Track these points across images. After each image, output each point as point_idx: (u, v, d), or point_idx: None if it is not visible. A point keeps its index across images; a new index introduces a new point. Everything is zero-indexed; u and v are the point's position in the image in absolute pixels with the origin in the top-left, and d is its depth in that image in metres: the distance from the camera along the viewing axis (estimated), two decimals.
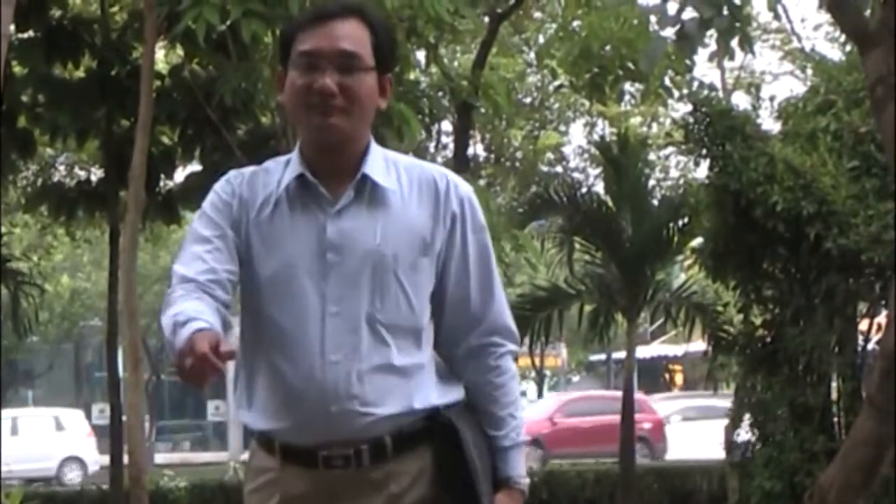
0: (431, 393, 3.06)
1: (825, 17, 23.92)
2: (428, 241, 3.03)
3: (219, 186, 3.11)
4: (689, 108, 11.76)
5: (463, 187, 3.12)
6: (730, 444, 12.07)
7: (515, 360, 3.24)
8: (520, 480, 3.14)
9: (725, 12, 7.09)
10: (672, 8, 7.22)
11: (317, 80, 2.98)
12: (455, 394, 3.12)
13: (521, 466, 3.15)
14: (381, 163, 3.07)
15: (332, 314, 2.97)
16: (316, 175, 3.03)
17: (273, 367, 3.02)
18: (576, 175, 26.52)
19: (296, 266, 2.99)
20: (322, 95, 2.98)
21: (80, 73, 12.72)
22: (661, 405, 32.39)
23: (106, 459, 16.52)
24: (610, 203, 15.46)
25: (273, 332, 3.02)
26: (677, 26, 7.20)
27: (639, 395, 27.56)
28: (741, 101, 29.52)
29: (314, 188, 3.03)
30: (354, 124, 3.03)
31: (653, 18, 7.88)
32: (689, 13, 7.17)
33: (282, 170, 3.09)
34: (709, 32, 7.34)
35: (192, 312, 2.81)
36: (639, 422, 26.76)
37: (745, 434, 11.71)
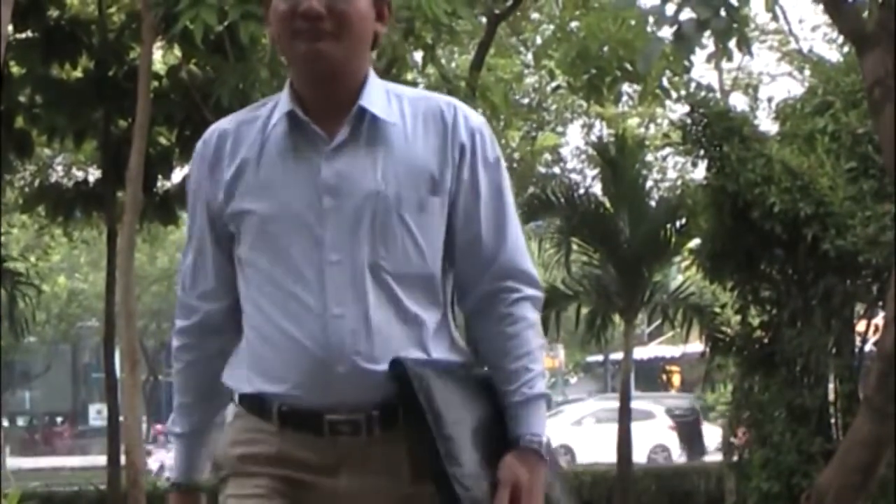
0: (445, 349, 2.78)
1: (823, 18, 23.95)
2: (436, 178, 2.75)
3: (195, 157, 2.88)
4: (687, 109, 11.75)
5: (474, 118, 2.83)
6: (727, 446, 12.07)
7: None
8: (533, 439, 2.76)
9: (723, 13, 7.09)
10: (670, 9, 7.23)
11: (301, 3, 2.70)
12: (460, 356, 2.82)
13: (536, 424, 2.77)
14: (382, 95, 2.79)
15: (332, 263, 2.70)
16: (308, 112, 2.75)
17: (269, 323, 2.75)
18: (573, 176, 26.54)
19: (288, 214, 2.72)
20: (308, 19, 2.70)
21: (78, 74, 12.71)
22: (574, 407, 32.53)
23: None
24: (607, 204, 15.45)
25: (268, 287, 2.75)
26: (675, 27, 7.20)
27: None
28: (739, 102, 29.63)
29: (306, 127, 2.75)
30: (347, 51, 2.73)
31: (650, 19, 7.89)
32: (686, 14, 7.17)
33: (269, 111, 2.81)
34: (707, 33, 7.34)
35: (184, 422, 2.95)
36: None
37: (742, 435, 11.72)
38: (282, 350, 2.72)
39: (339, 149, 2.73)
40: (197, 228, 2.90)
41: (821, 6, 6.83)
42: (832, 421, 11.29)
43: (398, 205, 2.71)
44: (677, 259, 16.82)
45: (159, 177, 12.88)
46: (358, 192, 2.71)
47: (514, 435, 2.76)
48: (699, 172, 12.42)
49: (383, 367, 2.68)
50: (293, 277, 2.72)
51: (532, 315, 2.83)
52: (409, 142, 2.76)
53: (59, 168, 20.19)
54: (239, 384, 2.81)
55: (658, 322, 17.65)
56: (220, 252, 2.87)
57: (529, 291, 2.84)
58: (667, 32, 7.45)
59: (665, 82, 14.59)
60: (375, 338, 2.69)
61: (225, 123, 2.85)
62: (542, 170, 26.92)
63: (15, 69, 12.36)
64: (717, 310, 13.70)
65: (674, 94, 14.97)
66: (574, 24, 14.93)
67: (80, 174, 17.72)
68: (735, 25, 7.53)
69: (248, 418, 2.80)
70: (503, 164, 2.88)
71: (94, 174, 15.35)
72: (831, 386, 11.37)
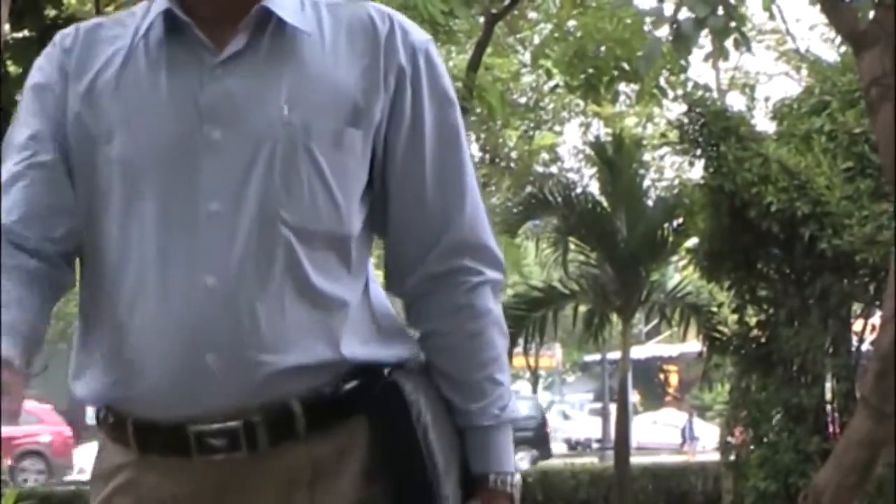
0: (370, 340, 2.06)
1: (820, 17, 23.92)
2: (361, 106, 2.03)
3: (42, 57, 2.11)
4: (684, 108, 11.75)
5: (417, 34, 2.13)
6: (724, 445, 12.07)
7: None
8: (506, 479, 2.12)
9: (720, 12, 7.10)
10: (668, 9, 7.24)
11: None
12: (403, 349, 2.12)
13: (506, 457, 2.12)
14: None
15: (211, 215, 1.95)
16: (191, 13, 2.02)
17: (120, 299, 1.98)
18: (571, 175, 26.53)
19: (153, 148, 1.98)
20: None
21: None
22: None
23: None
24: (605, 203, 15.45)
25: (117, 250, 1.99)
26: (673, 26, 7.21)
27: (43, 406, 26.72)
28: (736, 101, 29.62)
29: (187, 31, 2.01)
30: None
31: (647, 19, 7.90)
32: (684, 13, 7.18)
33: (142, 14, 2.07)
34: (704, 33, 7.35)
35: None
36: (35, 434, 25.94)
37: (739, 434, 11.72)
38: (136, 335, 1.97)
39: (230, 62, 2.00)
40: (39, 130, 2.06)
41: (818, 6, 6.83)
42: (829, 420, 11.29)
43: (307, 138, 1.99)
44: (674, 258, 16.82)
45: None
46: (253, 120, 1.98)
47: (479, 471, 2.11)
48: (696, 172, 12.45)
49: (274, 357, 1.95)
50: (155, 235, 1.97)
51: (496, 307, 2.14)
52: (326, 58, 2.05)
53: None
54: (87, 392, 2.04)
55: (655, 321, 17.61)
56: (56, 168, 2.06)
57: (492, 274, 2.13)
58: (664, 32, 7.46)
59: (662, 82, 14.61)
60: (264, 317, 1.95)
61: (87, 23, 2.12)
62: (540, 169, 26.91)
63: (12, 69, 12.35)
64: (715, 309, 13.70)
65: (671, 94, 14.99)
66: (571, 23, 14.93)
67: None
68: (733, 24, 7.54)
69: (108, 447, 2.08)
70: (455, 100, 2.17)
71: None
72: (828, 385, 11.37)
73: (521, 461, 28.66)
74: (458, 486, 2.07)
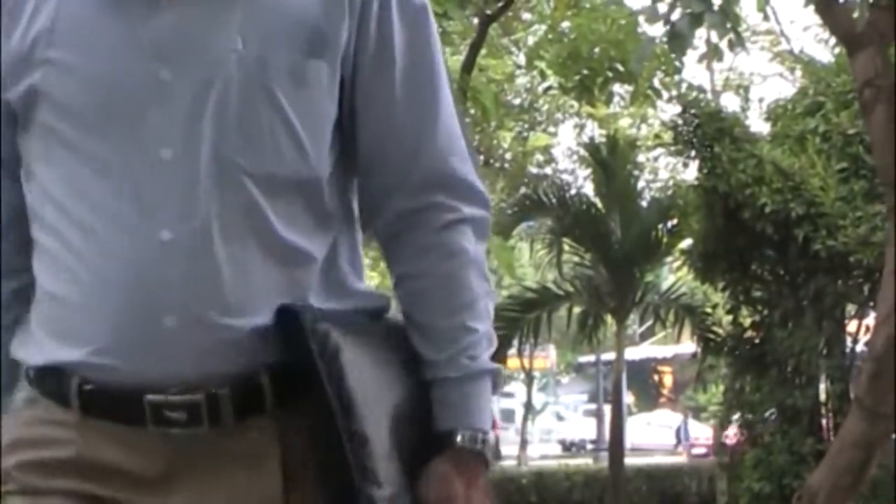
0: (335, 295, 1.87)
1: (814, 18, 23.95)
2: (324, 32, 1.83)
3: None
4: (678, 109, 11.77)
5: None
6: (719, 446, 12.08)
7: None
8: (475, 436, 1.86)
9: (717, 7, 7.10)
10: (662, 8, 7.24)
11: None
12: (367, 301, 1.92)
13: (478, 412, 1.88)
14: None
15: (162, 162, 1.76)
16: None
17: (67, 255, 1.80)
18: (565, 176, 26.50)
19: (97, 90, 1.79)
20: None
21: None
22: None
23: None
24: (599, 204, 15.46)
25: (66, 201, 1.80)
26: (667, 25, 7.20)
27: None
28: (730, 102, 29.61)
29: None
30: None
31: (641, 19, 7.90)
32: (678, 13, 7.18)
33: None
34: (698, 34, 7.34)
35: None
36: None
37: (733, 436, 11.74)
38: (84, 295, 1.78)
39: None
40: None
41: (812, 7, 6.84)
42: (823, 421, 11.30)
43: (264, 73, 1.79)
44: (669, 259, 16.83)
45: None
46: (204, 55, 1.79)
47: (444, 428, 1.86)
48: (690, 173, 12.43)
49: (239, 320, 1.76)
50: (102, 185, 1.78)
51: (473, 246, 1.91)
52: None
53: None
54: (28, 353, 1.86)
55: (650, 322, 17.68)
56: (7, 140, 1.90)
57: (470, 210, 1.90)
58: (658, 32, 7.46)
59: (656, 83, 14.60)
60: (227, 275, 1.76)
61: None
62: (534, 170, 26.89)
63: None
64: (709, 310, 13.72)
65: (665, 95, 14.99)
66: (565, 24, 14.93)
67: None
68: (728, 25, 7.54)
69: (41, 405, 1.84)
70: (431, 15, 1.94)
71: None
72: (822, 386, 11.38)
73: None
74: (404, 463, 1.80)
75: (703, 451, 30.51)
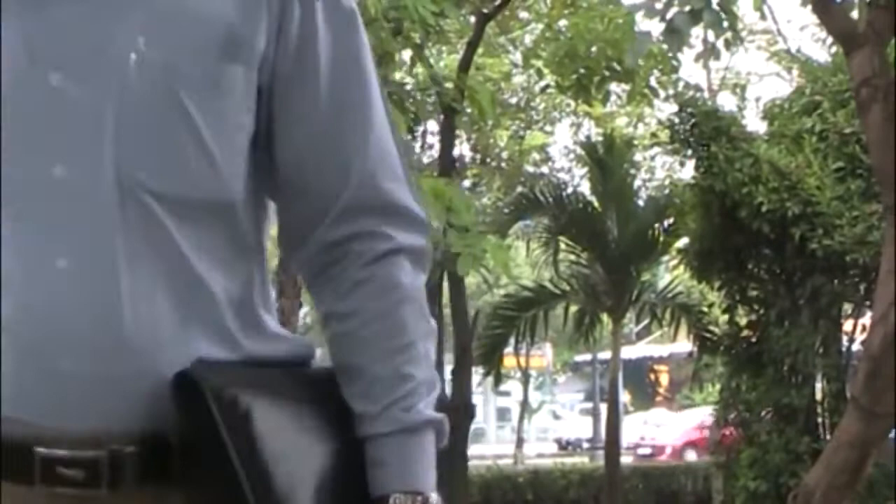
0: (262, 333, 1.63)
1: (811, 17, 23.95)
2: (239, 33, 1.59)
3: None
4: (675, 108, 11.78)
5: None
6: (715, 445, 12.08)
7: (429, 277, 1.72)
8: (414, 501, 1.59)
9: (715, 5, 7.10)
10: (659, 4, 7.24)
11: None
12: (292, 346, 1.67)
13: (417, 472, 1.61)
14: None
15: (57, 182, 1.52)
16: None
17: None
18: (561, 175, 26.49)
19: None
20: None
21: None
22: None
23: None
24: (595, 203, 15.47)
25: None
26: (664, 21, 7.21)
27: None
28: (727, 101, 29.59)
29: None
30: None
31: (638, 18, 7.90)
32: (675, 10, 7.18)
33: None
34: (695, 32, 7.34)
35: None
36: None
37: (729, 434, 11.74)
38: None
39: None
40: None
41: (809, 6, 6.84)
42: (819, 420, 11.31)
43: (170, 78, 1.55)
44: (665, 258, 16.84)
45: None
46: (100, 58, 1.54)
47: (378, 492, 1.59)
48: (687, 172, 12.47)
49: (146, 364, 1.52)
50: None
51: (411, 279, 1.65)
52: None
53: None
54: None
55: (646, 321, 17.66)
56: None
57: (407, 238, 1.65)
58: (656, 29, 7.47)
59: (653, 82, 14.59)
60: (131, 311, 1.51)
61: None
62: (531, 169, 26.87)
63: None
64: (705, 309, 13.73)
65: (662, 94, 14.97)
66: (562, 23, 14.93)
67: None
68: (726, 23, 7.54)
69: None
70: (359, 18, 1.75)
71: None
72: (819, 385, 11.39)
73: None
74: None
75: (648, 451, 30.50)
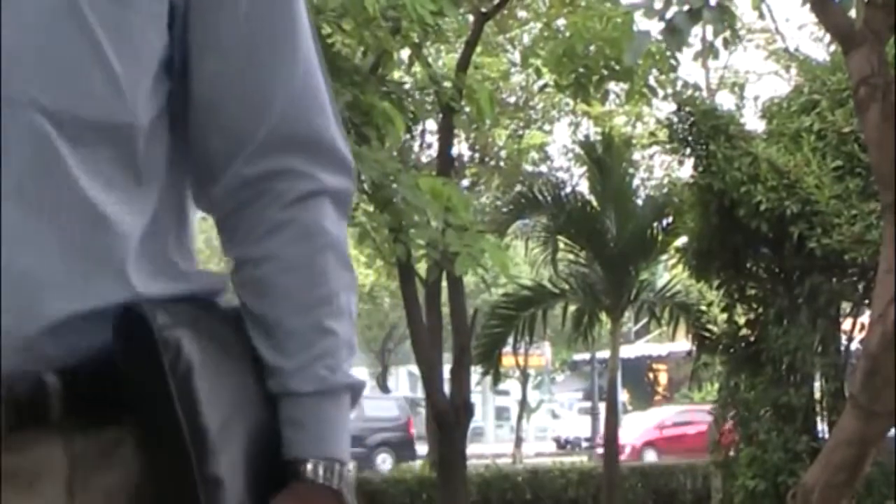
0: (162, 273, 1.45)
1: (809, 16, 23.96)
2: None
3: None
4: (674, 107, 11.77)
5: None
6: (713, 444, 12.08)
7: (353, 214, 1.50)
8: (332, 467, 1.47)
9: (713, 3, 7.10)
10: (658, 3, 7.24)
11: None
12: (202, 283, 1.51)
13: (334, 438, 1.49)
14: None
15: None
16: None
17: None
18: (560, 174, 26.51)
19: None
20: None
21: None
22: None
23: None
24: (594, 202, 15.46)
25: None
26: (663, 21, 7.21)
27: None
28: (725, 100, 29.65)
29: None
30: None
31: (637, 17, 7.90)
32: (674, 9, 7.18)
33: None
34: (694, 32, 7.34)
35: None
36: None
37: (728, 433, 11.74)
38: None
39: None
40: None
41: (807, 5, 6.85)
42: (818, 419, 11.31)
43: None
44: (664, 257, 16.84)
45: None
46: None
47: (292, 455, 1.47)
48: (686, 171, 12.48)
49: (27, 303, 1.35)
50: None
51: (335, 225, 1.52)
52: None
53: None
54: None
55: (645, 320, 17.65)
56: None
57: (332, 180, 1.52)
58: (654, 28, 7.47)
59: (652, 81, 14.60)
60: (15, 242, 1.34)
61: None
62: (529, 168, 26.89)
63: None
64: (704, 308, 13.72)
65: (660, 93, 14.98)
66: (561, 22, 14.93)
67: None
68: (725, 22, 7.55)
69: None
70: None
71: None
72: (817, 384, 11.40)
73: (384, 464, 28.20)
74: (247, 469, 1.42)
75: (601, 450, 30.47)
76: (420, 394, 32.28)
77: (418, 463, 22.01)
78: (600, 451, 29.96)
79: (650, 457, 28.00)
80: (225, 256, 1.55)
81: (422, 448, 30.98)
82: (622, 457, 27.98)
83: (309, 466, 1.46)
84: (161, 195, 1.47)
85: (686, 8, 7.13)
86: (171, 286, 1.45)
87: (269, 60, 1.50)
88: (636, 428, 32.09)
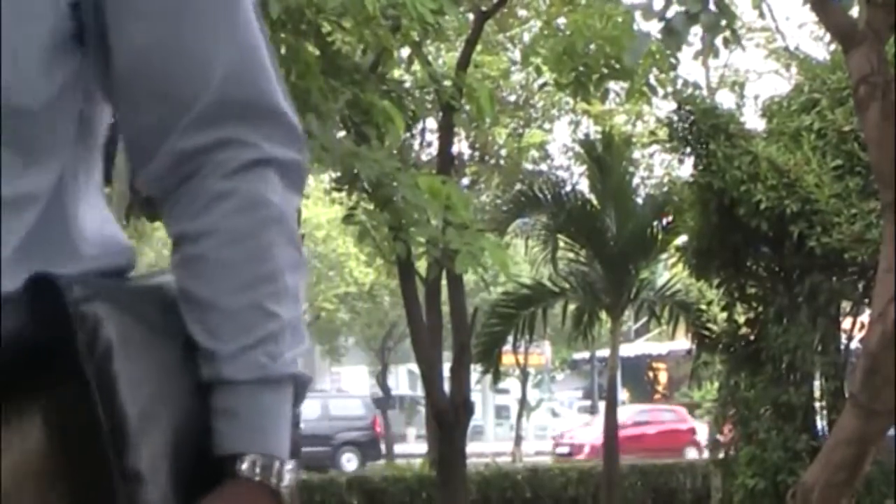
0: (68, 258, 1.33)
1: (810, 15, 23.97)
2: None
3: None
4: (674, 106, 11.77)
5: None
6: (713, 443, 12.08)
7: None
8: (270, 464, 1.31)
9: (712, 6, 7.10)
10: (658, 4, 7.25)
11: None
12: (114, 259, 1.40)
13: (273, 432, 1.32)
14: None
15: None
16: None
17: None
18: (560, 173, 26.51)
19: None
20: None
21: None
22: None
23: None
24: (594, 201, 15.46)
25: None
26: (662, 21, 7.21)
27: None
28: (726, 99, 29.65)
29: None
30: None
31: (637, 16, 7.91)
32: (674, 9, 7.18)
33: None
34: (694, 30, 7.35)
35: None
36: None
37: (727, 432, 11.75)
38: None
39: None
40: None
41: (807, 4, 6.85)
42: (818, 418, 11.31)
43: None
44: (664, 256, 16.85)
45: None
46: None
47: (226, 450, 1.31)
48: (686, 170, 12.48)
49: None
50: None
51: (282, 198, 1.37)
52: None
53: None
54: None
55: (645, 319, 17.66)
56: None
57: (279, 150, 1.37)
58: (654, 28, 7.48)
59: (652, 79, 14.60)
60: None
61: None
62: (529, 167, 26.89)
63: None
64: (704, 307, 13.72)
65: (661, 92, 14.98)
66: (561, 20, 14.93)
67: None
68: (723, 22, 7.55)
69: None
70: None
71: None
72: (817, 383, 11.40)
73: (349, 463, 28.12)
74: (173, 465, 1.29)
75: (566, 450, 30.44)
76: (420, 392, 32.30)
77: (418, 461, 21.99)
78: (560, 450, 30.05)
79: None
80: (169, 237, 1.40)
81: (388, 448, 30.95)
82: (580, 456, 28.06)
83: (245, 463, 1.31)
84: (65, 175, 1.35)
85: (683, 9, 7.14)
86: (69, 264, 1.32)
87: (206, 24, 1.34)
88: (596, 427, 32.21)
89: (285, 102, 1.38)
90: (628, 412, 33.93)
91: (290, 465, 1.33)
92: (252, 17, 1.37)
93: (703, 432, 31.81)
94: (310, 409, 24.71)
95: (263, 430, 1.32)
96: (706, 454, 26.99)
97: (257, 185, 1.34)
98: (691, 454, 28.04)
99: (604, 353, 25.19)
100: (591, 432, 31.67)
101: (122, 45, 1.33)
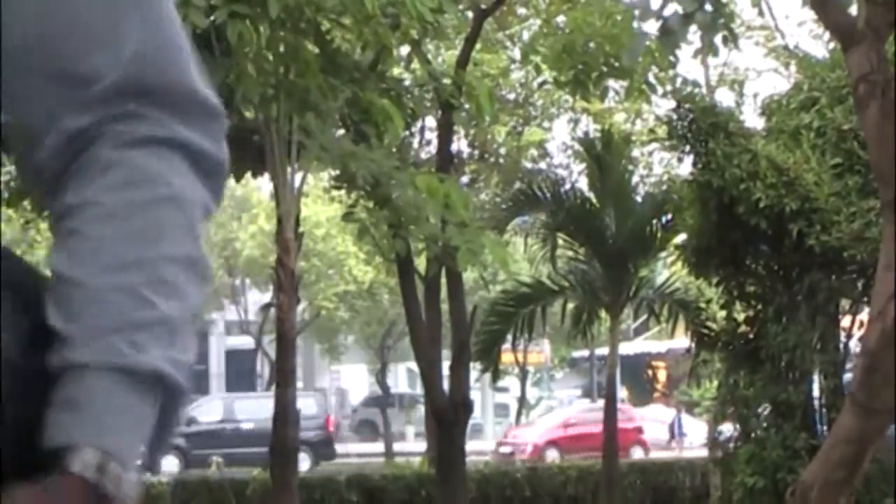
0: None
1: (809, 13, 23.96)
2: None
3: None
4: (673, 104, 11.77)
5: None
6: (713, 441, 12.09)
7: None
8: (105, 463, 1.09)
9: (708, 7, 7.11)
10: (655, 4, 7.25)
11: None
12: None
13: (118, 428, 1.11)
14: None
15: None
16: None
17: None
18: (559, 171, 26.51)
19: None
20: None
21: None
22: None
23: None
24: (593, 199, 15.46)
25: None
26: (660, 21, 7.22)
27: None
28: (725, 97, 29.59)
29: None
30: None
31: (636, 14, 7.91)
32: (671, 8, 7.19)
33: None
34: (693, 29, 7.36)
35: None
36: None
37: (727, 431, 11.75)
38: None
39: None
40: None
41: (807, 2, 6.85)
42: (817, 416, 11.31)
43: None
44: (663, 254, 16.83)
45: None
46: None
47: (59, 440, 1.10)
48: (685, 168, 12.46)
49: None
50: None
51: (183, 181, 1.19)
52: None
53: None
54: None
55: (644, 317, 17.66)
56: None
57: (193, 136, 1.21)
58: (652, 27, 7.48)
59: (651, 78, 14.60)
60: None
61: None
62: (528, 165, 26.89)
63: None
64: (703, 305, 13.73)
65: (660, 90, 14.98)
66: (560, 19, 14.94)
67: None
68: (721, 21, 7.56)
69: None
70: None
71: None
72: (816, 381, 11.40)
73: (302, 463, 27.90)
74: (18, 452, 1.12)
75: (508, 450, 30.32)
76: (419, 390, 32.29)
77: (417, 460, 21.98)
78: (503, 450, 29.99)
79: (552, 455, 27.97)
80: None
81: (340, 447, 30.66)
82: (523, 455, 28.02)
83: (76, 458, 1.09)
84: None
85: (679, 10, 7.15)
86: None
87: None
88: (540, 427, 32.21)
89: (208, 92, 1.23)
90: (574, 410, 34.02)
91: (134, 475, 1.11)
92: (172, 11, 1.24)
93: (651, 431, 31.96)
94: (259, 408, 24.24)
95: (109, 425, 1.11)
96: (653, 454, 27.00)
97: (154, 162, 1.17)
98: (637, 454, 28.04)
99: (603, 351, 25.19)
100: (533, 432, 31.72)
101: (12, 18, 1.18)
